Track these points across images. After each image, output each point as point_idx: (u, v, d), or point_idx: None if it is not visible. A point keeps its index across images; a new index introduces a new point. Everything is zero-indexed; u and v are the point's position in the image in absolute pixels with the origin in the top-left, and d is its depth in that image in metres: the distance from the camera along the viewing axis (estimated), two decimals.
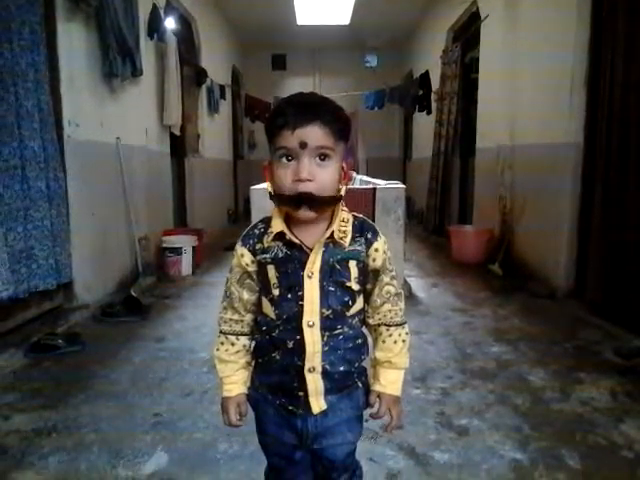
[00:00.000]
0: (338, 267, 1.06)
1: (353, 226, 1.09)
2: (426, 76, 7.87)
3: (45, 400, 2.34)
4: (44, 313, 3.49)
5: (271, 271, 1.08)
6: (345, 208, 1.11)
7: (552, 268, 4.16)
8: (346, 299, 1.08)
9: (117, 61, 4.06)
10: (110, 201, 4.26)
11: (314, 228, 1.06)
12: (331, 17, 8.40)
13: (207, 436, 2.02)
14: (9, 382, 2.52)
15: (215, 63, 7.61)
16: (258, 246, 1.10)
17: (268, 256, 1.08)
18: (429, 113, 7.80)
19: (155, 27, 5.01)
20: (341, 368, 1.09)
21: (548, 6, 4.29)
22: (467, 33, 6.45)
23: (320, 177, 1.00)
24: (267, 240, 1.09)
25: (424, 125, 8.30)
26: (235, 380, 1.18)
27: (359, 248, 1.08)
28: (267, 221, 1.11)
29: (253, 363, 1.19)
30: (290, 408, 1.11)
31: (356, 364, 1.13)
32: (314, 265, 1.05)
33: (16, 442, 1.99)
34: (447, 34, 7.25)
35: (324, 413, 1.11)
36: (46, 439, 2.01)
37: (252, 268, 1.12)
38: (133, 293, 4.03)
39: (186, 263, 4.98)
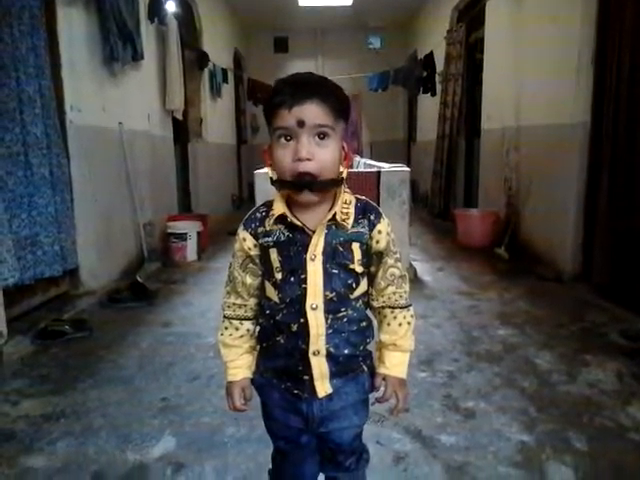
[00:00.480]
0: (341, 249, 1.05)
1: (356, 208, 1.07)
2: (430, 57, 7.76)
3: (53, 385, 2.36)
4: (50, 299, 3.50)
5: (273, 254, 1.07)
6: (348, 190, 1.09)
7: (558, 251, 4.13)
8: (349, 281, 1.07)
9: (118, 45, 4.02)
10: (114, 187, 4.25)
11: (316, 210, 1.05)
12: None
13: (214, 420, 2.03)
14: (17, 368, 2.54)
15: (217, 46, 7.54)
16: (260, 230, 1.09)
17: (270, 239, 1.07)
18: (434, 95, 7.71)
19: (156, 10, 4.95)
20: (346, 351, 1.09)
21: None
22: (472, 12, 6.34)
23: (320, 156, 0.99)
24: (269, 223, 1.08)
25: (429, 107, 8.21)
26: (239, 364, 1.18)
27: (362, 230, 1.07)
28: (269, 204, 1.10)
29: (258, 348, 1.18)
30: (295, 392, 1.11)
31: (361, 347, 1.12)
32: (317, 247, 1.04)
33: (25, 427, 2.00)
34: (451, 13, 7.13)
35: (329, 397, 1.10)
36: (54, 424, 2.02)
37: (254, 252, 1.11)
38: (139, 279, 4.04)
39: (191, 248, 4.98)
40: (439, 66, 7.42)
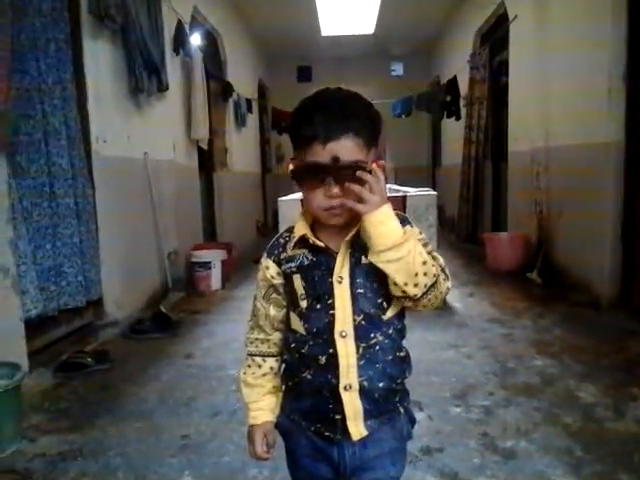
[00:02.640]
0: (366, 267, 0.95)
1: None
2: (454, 81, 7.71)
3: (72, 421, 2.29)
4: (74, 331, 3.47)
5: (297, 281, 1.00)
6: None
7: (595, 275, 3.94)
8: (379, 301, 0.97)
9: (143, 76, 4.06)
10: (139, 216, 4.26)
11: (341, 231, 0.97)
12: (355, 27, 8.37)
13: (236, 460, 1.92)
14: (37, 402, 2.48)
15: (241, 77, 7.64)
16: (283, 255, 1.02)
17: (293, 265, 1.00)
18: (458, 119, 7.63)
19: (180, 42, 5.03)
20: (381, 384, 0.98)
21: (580, 2, 4.12)
22: (495, 35, 6.30)
23: (351, 193, 0.91)
24: (291, 248, 1.01)
25: (453, 131, 8.14)
26: (262, 406, 1.09)
27: None
28: (291, 229, 1.03)
29: (283, 388, 1.09)
30: (326, 434, 1.00)
31: (398, 380, 1.01)
32: (342, 269, 0.96)
33: (41, 466, 1.93)
34: (474, 37, 7.10)
35: (363, 444, 0.99)
36: (71, 463, 1.95)
37: (278, 281, 1.03)
38: (162, 309, 3.99)
39: (215, 277, 4.94)
40: (463, 90, 7.37)
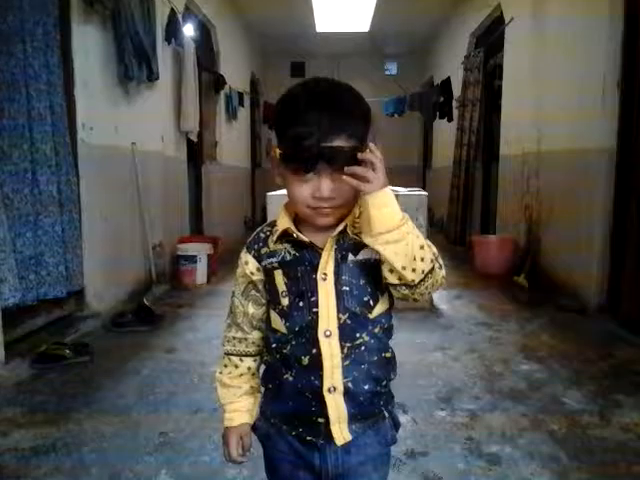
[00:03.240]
0: (351, 264, 0.91)
1: None
2: (447, 82, 7.69)
3: (47, 415, 2.22)
4: (53, 321, 3.38)
5: (278, 277, 0.94)
6: None
7: (582, 281, 3.94)
8: (365, 299, 0.92)
9: (133, 64, 3.97)
10: (124, 207, 4.17)
11: (327, 227, 0.92)
12: (351, 24, 8.31)
13: (215, 459, 1.86)
14: (12, 395, 2.40)
15: (234, 70, 7.55)
16: (264, 250, 0.97)
17: (275, 260, 0.95)
18: (450, 120, 7.61)
19: (173, 32, 4.94)
20: (366, 387, 0.93)
21: (577, 5, 4.11)
22: (490, 38, 6.29)
23: (343, 193, 0.87)
24: (272, 242, 0.95)
25: (445, 133, 8.13)
26: (238, 407, 1.03)
27: None
28: (273, 224, 0.98)
29: (262, 390, 1.03)
30: (308, 439, 0.95)
31: (383, 382, 0.96)
32: (327, 265, 0.91)
33: (13, 461, 1.86)
34: (469, 39, 7.10)
35: (346, 449, 0.94)
36: (44, 459, 1.88)
37: (257, 277, 0.98)
38: (145, 302, 3.91)
39: (201, 272, 4.87)
40: (456, 92, 7.35)
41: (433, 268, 0.85)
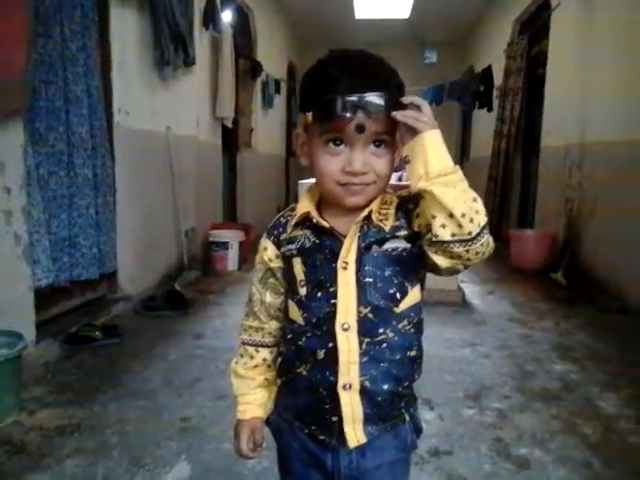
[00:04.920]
0: (378, 253, 0.85)
1: (396, 208, 0.87)
2: (488, 71, 7.47)
3: (73, 395, 2.25)
4: (86, 303, 3.44)
5: (297, 265, 0.89)
6: (390, 190, 0.90)
7: (625, 280, 3.77)
8: (391, 291, 0.86)
9: (169, 49, 3.98)
10: (158, 191, 4.20)
11: (349, 213, 0.86)
12: (390, 10, 8.13)
13: None
14: (40, 374, 2.45)
15: (271, 57, 7.51)
16: (283, 236, 0.92)
17: (294, 247, 0.89)
18: (490, 110, 7.41)
19: (211, 17, 4.93)
20: (385, 387, 0.87)
21: None
22: (535, 24, 6.05)
23: (376, 168, 0.82)
24: (291, 227, 0.90)
25: (484, 123, 7.91)
26: (250, 400, 0.99)
27: (400, 224, 0.86)
28: (295, 208, 0.93)
29: (278, 382, 0.99)
30: (321, 438, 0.90)
31: (405, 383, 0.89)
32: (349, 254, 0.85)
33: (37, 440, 1.89)
34: (513, 26, 6.85)
35: (361, 452, 0.89)
36: (67, 439, 1.90)
37: (276, 264, 0.93)
38: (177, 287, 3.95)
39: (232, 258, 4.88)
40: (497, 80, 7.13)
41: (487, 224, 0.78)
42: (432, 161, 0.76)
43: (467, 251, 0.77)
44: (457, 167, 0.77)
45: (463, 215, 0.75)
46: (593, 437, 2.02)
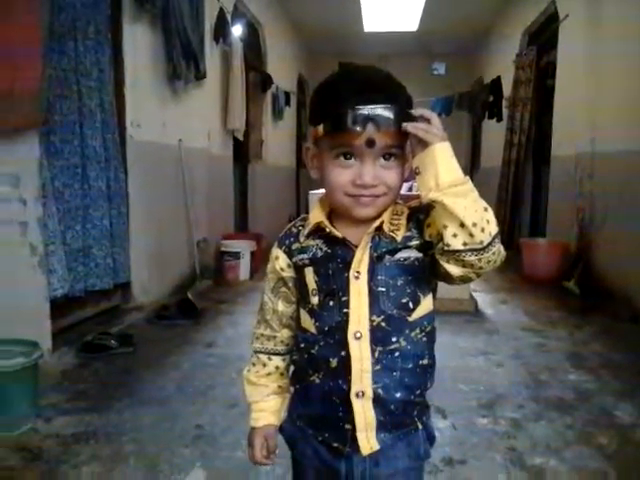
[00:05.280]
0: (390, 262, 0.86)
1: (408, 218, 0.88)
2: (497, 82, 7.50)
3: (89, 403, 2.28)
4: (100, 313, 3.48)
5: (309, 275, 0.90)
6: (400, 202, 0.91)
7: (637, 288, 3.74)
8: (404, 300, 0.87)
9: (181, 63, 4.05)
10: (170, 203, 4.25)
11: (361, 223, 0.88)
12: (399, 23, 8.21)
13: None
14: (57, 382, 2.48)
15: (281, 70, 7.59)
16: (295, 246, 0.93)
17: (306, 256, 0.91)
18: (499, 120, 7.42)
19: (221, 31, 5.00)
20: (398, 395, 0.88)
21: (636, 1, 3.91)
22: (544, 35, 6.08)
23: (386, 180, 0.84)
24: (304, 237, 0.92)
25: (494, 133, 7.92)
26: (264, 407, 1.00)
27: (412, 234, 0.87)
28: (306, 218, 0.94)
29: (291, 390, 1.00)
30: (334, 445, 0.91)
31: (417, 391, 0.90)
32: (361, 264, 0.86)
33: (54, 447, 1.91)
34: (522, 37, 6.87)
35: (375, 460, 0.89)
36: (84, 446, 1.92)
37: (288, 274, 0.94)
38: (189, 296, 3.98)
39: (244, 268, 4.92)
40: (506, 91, 7.15)
41: (499, 233, 0.79)
42: (442, 172, 0.77)
43: (479, 260, 0.78)
44: (467, 178, 0.79)
45: (474, 224, 0.76)
46: (609, 447, 2.00)
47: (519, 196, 6.65)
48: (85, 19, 3.09)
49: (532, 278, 4.91)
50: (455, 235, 0.77)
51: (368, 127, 0.79)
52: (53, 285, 2.81)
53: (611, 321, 3.64)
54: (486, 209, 0.78)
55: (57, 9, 2.87)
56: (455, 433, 2.08)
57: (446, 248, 0.79)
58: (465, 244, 0.77)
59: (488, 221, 0.78)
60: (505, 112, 7.15)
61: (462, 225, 0.76)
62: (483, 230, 0.77)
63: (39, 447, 1.91)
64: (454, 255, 0.79)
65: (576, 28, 5.01)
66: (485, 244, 0.77)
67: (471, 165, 10.48)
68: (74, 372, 2.63)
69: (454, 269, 0.81)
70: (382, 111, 0.79)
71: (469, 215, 0.76)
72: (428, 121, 0.80)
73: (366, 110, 0.79)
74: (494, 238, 0.78)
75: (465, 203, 0.76)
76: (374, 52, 10.16)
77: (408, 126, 0.79)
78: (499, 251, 0.80)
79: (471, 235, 0.76)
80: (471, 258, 0.78)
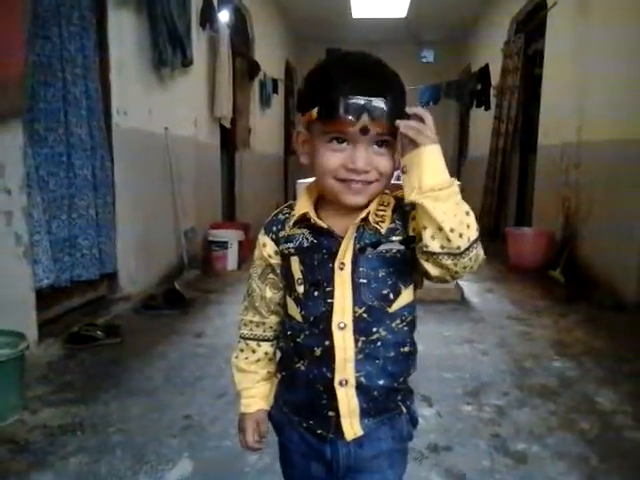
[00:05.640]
0: (372, 255, 0.87)
1: (393, 210, 0.89)
2: (485, 70, 7.50)
3: (76, 394, 2.27)
4: (86, 303, 3.46)
5: (295, 264, 0.91)
6: (387, 191, 0.91)
7: (621, 277, 3.80)
8: (385, 292, 0.88)
9: (167, 50, 4.00)
10: (157, 191, 4.22)
11: (348, 214, 0.88)
12: (387, 10, 8.16)
13: (237, 445, 1.84)
14: (43, 373, 2.46)
15: (268, 57, 7.52)
16: (282, 234, 0.94)
17: (291, 245, 0.91)
18: (487, 109, 7.43)
19: (208, 17, 4.94)
20: (380, 382, 0.89)
21: None
22: (532, 23, 6.08)
23: (379, 166, 0.84)
24: (290, 226, 0.92)
25: (482, 121, 7.93)
26: (254, 394, 1.02)
27: (395, 226, 0.88)
28: (293, 206, 0.94)
29: (278, 377, 1.01)
30: (319, 432, 0.92)
31: (400, 379, 0.92)
32: (346, 254, 0.87)
33: (40, 438, 1.91)
34: (510, 25, 6.87)
35: (359, 443, 0.91)
36: (71, 437, 1.92)
37: (275, 260, 0.95)
38: (177, 286, 3.97)
39: (232, 257, 4.90)
40: (494, 79, 7.16)
41: (478, 238, 0.80)
42: (427, 175, 0.77)
43: (455, 264, 0.80)
44: (453, 180, 0.79)
45: (452, 230, 0.77)
46: (590, 433, 2.04)
47: (506, 185, 6.69)
48: (69, 4, 3.03)
49: (518, 267, 4.95)
50: (433, 237, 0.78)
51: (363, 117, 0.80)
52: (39, 275, 2.79)
53: (595, 309, 3.69)
54: (467, 213, 0.79)
55: None
56: (440, 420, 2.11)
57: (425, 249, 0.80)
58: (442, 247, 0.78)
59: (468, 226, 0.78)
60: (493, 100, 7.16)
61: (440, 229, 0.77)
62: (461, 235, 0.78)
63: (26, 439, 1.90)
64: (432, 256, 0.80)
65: (564, 16, 5.02)
66: (462, 249, 0.78)
67: (459, 154, 10.51)
68: (60, 363, 2.61)
69: (432, 269, 0.82)
70: (377, 102, 0.80)
71: (448, 220, 0.77)
72: (421, 119, 0.80)
73: (362, 100, 0.80)
74: (472, 243, 0.79)
75: (445, 208, 0.77)
76: (362, 39, 10.08)
77: (400, 125, 0.80)
78: (477, 256, 0.81)
79: (448, 240, 0.77)
80: (447, 262, 0.79)
